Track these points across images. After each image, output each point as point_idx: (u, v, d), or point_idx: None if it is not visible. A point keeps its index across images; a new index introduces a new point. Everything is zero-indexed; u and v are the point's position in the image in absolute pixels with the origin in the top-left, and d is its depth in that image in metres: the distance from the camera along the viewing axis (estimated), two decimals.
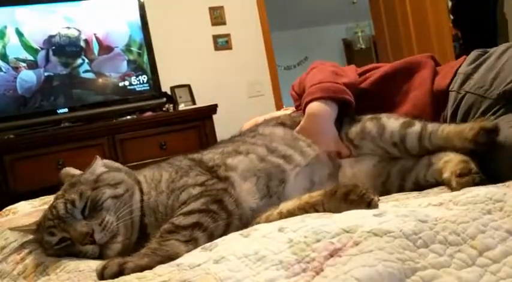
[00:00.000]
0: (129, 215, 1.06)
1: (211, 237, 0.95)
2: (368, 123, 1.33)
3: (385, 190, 1.24)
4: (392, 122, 1.29)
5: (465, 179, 1.03)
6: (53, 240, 1.04)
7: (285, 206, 1.08)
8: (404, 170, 1.24)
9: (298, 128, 1.42)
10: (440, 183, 1.14)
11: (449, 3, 3.74)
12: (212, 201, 1.03)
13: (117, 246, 1.02)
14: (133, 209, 1.08)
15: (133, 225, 1.07)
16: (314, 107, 1.41)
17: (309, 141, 1.37)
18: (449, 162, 1.12)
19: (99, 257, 1.00)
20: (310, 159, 1.30)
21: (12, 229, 1.19)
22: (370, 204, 0.95)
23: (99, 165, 1.19)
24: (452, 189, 1.05)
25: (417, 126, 1.25)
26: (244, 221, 1.07)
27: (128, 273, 0.82)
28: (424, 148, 1.23)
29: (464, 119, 1.31)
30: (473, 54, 1.41)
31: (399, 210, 0.84)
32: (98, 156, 1.22)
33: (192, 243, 0.93)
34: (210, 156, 1.25)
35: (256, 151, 1.26)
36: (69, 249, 1.02)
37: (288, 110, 2.00)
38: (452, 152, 1.17)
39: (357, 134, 1.34)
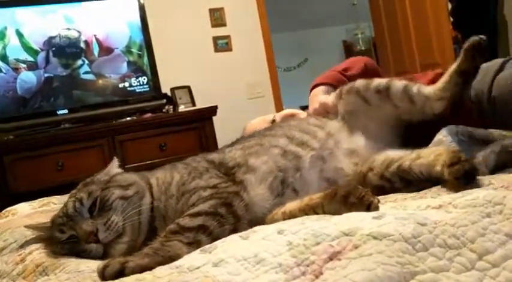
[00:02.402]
0: (136, 215, 1.07)
1: (215, 241, 0.95)
2: (358, 81, 1.42)
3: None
4: (381, 79, 1.37)
5: (456, 168, 1.03)
6: (62, 238, 1.06)
7: (288, 207, 1.09)
8: (389, 161, 1.24)
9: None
10: (428, 178, 1.14)
11: (450, 5, 3.74)
12: (221, 204, 1.03)
13: (121, 246, 1.02)
14: (142, 210, 1.09)
15: (140, 226, 1.08)
16: (313, 91, 1.62)
17: (319, 123, 1.42)
18: (441, 156, 1.12)
19: (104, 256, 1.00)
20: (322, 141, 1.32)
21: (27, 227, 1.20)
22: (369, 207, 0.94)
23: (115, 166, 1.22)
24: (446, 180, 1.05)
25: (404, 81, 1.34)
26: (254, 224, 1.06)
27: (129, 273, 0.82)
28: (409, 97, 1.30)
29: None
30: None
31: (398, 212, 0.84)
32: (115, 158, 1.24)
33: (195, 245, 0.93)
34: (231, 154, 1.25)
35: (278, 142, 1.28)
36: (75, 247, 1.04)
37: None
38: (442, 147, 1.19)
39: (346, 90, 1.43)
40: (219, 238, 0.95)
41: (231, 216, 1.03)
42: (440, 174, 1.08)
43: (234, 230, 1.01)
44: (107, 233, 1.02)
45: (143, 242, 1.06)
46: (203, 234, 0.96)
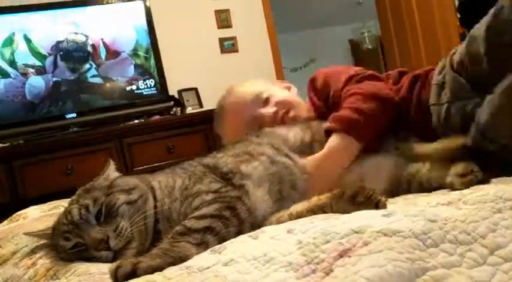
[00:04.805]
0: (143, 221, 1.06)
1: (221, 243, 0.95)
2: None
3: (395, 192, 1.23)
4: None
5: (468, 178, 1.04)
6: (68, 245, 1.04)
7: (295, 208, 1.08)
8: (410, 177, 1.23)
9: (313, 158, 1.32)
10: (443, 187, 1.13)
11: (456, 2, 3.72)
12: (225, 208, 1.03)
13: (131, 252, 1.02)
14: (147, 215, 1.08)
15: (147, 231, 1.07)
16: (341, 145, 1.31)
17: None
18: (444, 166, 1.13)
19: (113, 261, 0.99)
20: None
21: (27, 234, 1.20)
22: (377, 205, 0.95)
23: (112, 170, 1.20)
24: (456, 189, 1.04)
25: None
26: (256, 228, 1.06)
27: (141, 274, 0.82)
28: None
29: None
30: (442, 62, 1.35)
31: (408, 210, 0.84)
32: (111, 160, 1.22)
33: (203, 246, 0.94)
34: (223, 160, 1.25)
35: (266, 151, 1.26)
36: (83, 254, 1.03)
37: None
38: None
39: None
40: (225, 240, 0.95)
41: (235, 219, 1.03)
42: (451, 184, 1.08)
43: (239, 233, 1.01)
44: (118, 240, 1.01)
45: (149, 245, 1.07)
46: (210, 235, 0.97)
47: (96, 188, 1.12)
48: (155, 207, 1.11)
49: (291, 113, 1.61)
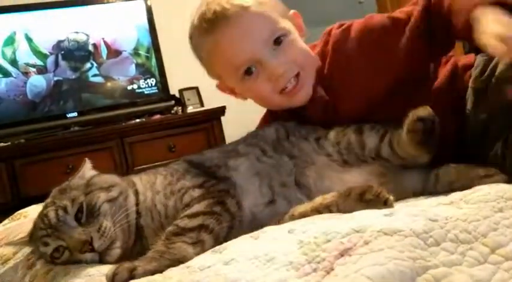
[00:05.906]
0: (125, 218, 1.04)
1: (216, 240, 0.96)
2: (352, 136, 1.21)
3: None
4: (371, 140, 1.17)
5: (493, 179, 1.00)
6: (48, 250, 1.01)
7: (296, 209, 1.07)
8: (417, 192, 1.16)
9: None
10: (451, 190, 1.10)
11: None
12: (215, 203, 1.03)
13: (116, 251, 1.00)
14: (129, 212, 1.06)
15: (130, 229, 1.05)
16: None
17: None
18: (463, 172, 1.08)
19: (99, 262, 0.99)
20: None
21: (8, 244, 1.19)
22: (386, 203, 0.93)
23: (88, 168, 1.16)
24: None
25: (387, 137, 1.15)
26: (247, 224, 1.06)
27: (138, 278, 0.82)
28: (398, 155, 1.13)
29: None
30: (481, 62, 1.23)
31: (409, 210, 0.84)
32: (86, 159, 1.18)
33: (199, 245, 0.93)
34: (208, 155, 1.24)
35: (253, 150, 1.24)
36: (68, 259, 1.00)
37: None
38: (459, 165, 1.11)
39: (342, 144, 1.21)
40: (220, 236, 0.96)
41: (226, 213, 1.03)
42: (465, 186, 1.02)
43: (231, 227, 1.01)
44: (102, 240, 0.98)
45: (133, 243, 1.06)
46: (205, 233, 0.96)
47: (73, 188, 1.08)
48: (137, 204, 1.09)
49: (301, 78, 1.26)
